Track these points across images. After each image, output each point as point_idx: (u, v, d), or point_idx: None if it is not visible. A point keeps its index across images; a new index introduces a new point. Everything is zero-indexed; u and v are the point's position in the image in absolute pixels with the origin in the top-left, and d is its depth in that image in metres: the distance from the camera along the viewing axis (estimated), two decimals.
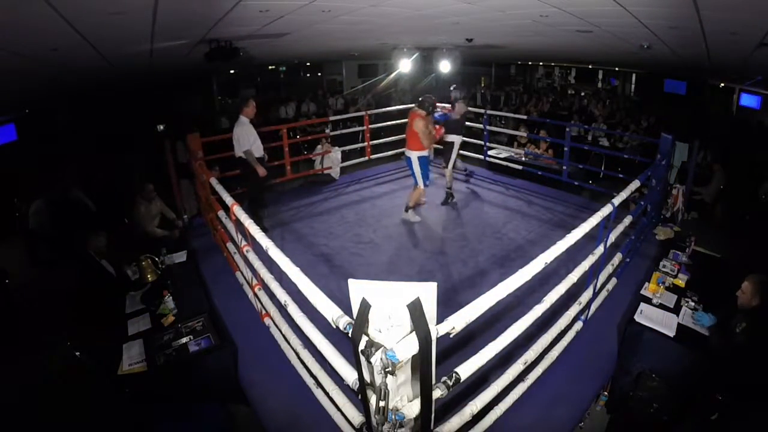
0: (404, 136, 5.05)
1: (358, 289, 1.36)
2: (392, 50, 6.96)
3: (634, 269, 3.55)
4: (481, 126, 6.39)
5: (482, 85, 13.68)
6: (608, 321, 3.02)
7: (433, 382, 1.51)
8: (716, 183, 5.65)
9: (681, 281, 3.25)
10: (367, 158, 6.39)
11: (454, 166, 5.27)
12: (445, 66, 6.49)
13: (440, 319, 1.50)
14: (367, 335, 1.37)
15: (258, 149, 4.25)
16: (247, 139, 4.13)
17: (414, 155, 4.50)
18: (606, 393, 2.91)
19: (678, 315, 2.85)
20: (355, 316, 1.39)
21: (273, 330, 2.85)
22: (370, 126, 6.33)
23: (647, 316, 2.85)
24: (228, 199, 2.87)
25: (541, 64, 13.68)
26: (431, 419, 1.58)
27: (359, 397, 1.57)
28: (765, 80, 6.61)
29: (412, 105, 6.50)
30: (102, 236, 3.55)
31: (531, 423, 2.30)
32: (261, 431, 2.37)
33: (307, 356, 2.29)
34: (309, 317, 2.01)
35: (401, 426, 1.52)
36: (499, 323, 2.73)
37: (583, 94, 11.97)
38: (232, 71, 10.89)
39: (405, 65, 6.83)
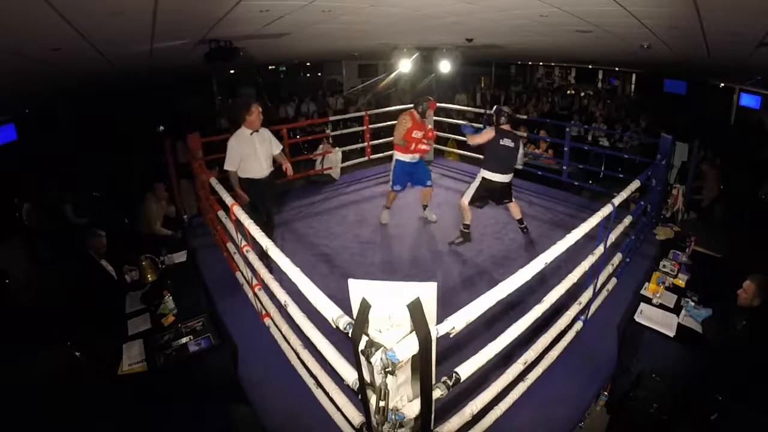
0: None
1: (358, 289, 1.36)
2: (392, 50, 6.95)
3: (634, 269, 3.55)
4: (481, 126, 6.39)
5: (482, 85, 13.69)
6: (608, 321, 3.02)
7: (433, 382, 1.51)
8: (710, 183, 5.64)
9: (681, 281, 3.26)
10: (367, 158, 6.38)
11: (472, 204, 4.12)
12: (445, 66, 6.49)
13: (440, 319, 1.50)
14: (367, 335, 1.37)
15: (250, 170, 3.54)
16: (231, 157, 3.45)
17: (394, 155, 4.40)
18: (606, 393, 2.91)
19: (678, 315, 2.85)
20: (355, 316, 1.38)
21: (273, 330, 2.85)
22: (370, 126, 6.33)
23: (647, 316, 2.85)
24: (228, 199, 2.87)
25: (541, 64, 13.68)
26: (431, 419, 1.58)
27: (359, 397, 1.57)
28: (765, 80, 6.61)
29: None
30: (102, 236, 3.55)
31: (531, 423, 2.30)
32: (261, 431, 2.37)
33: (307, 356, 2.29)
34: (309, 317, 2.01)
35: (401, 426, 1.52)
36: (499, 323, 2.73)
37: (583, 94, 11.97)
38: (232, 71, 10.89)
39: (405, 65, 6.83)
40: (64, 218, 5.29)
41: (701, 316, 2.70)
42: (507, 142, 3.89)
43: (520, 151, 3.98)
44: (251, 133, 3.51)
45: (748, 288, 2.53)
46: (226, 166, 3.51)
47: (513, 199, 4.19)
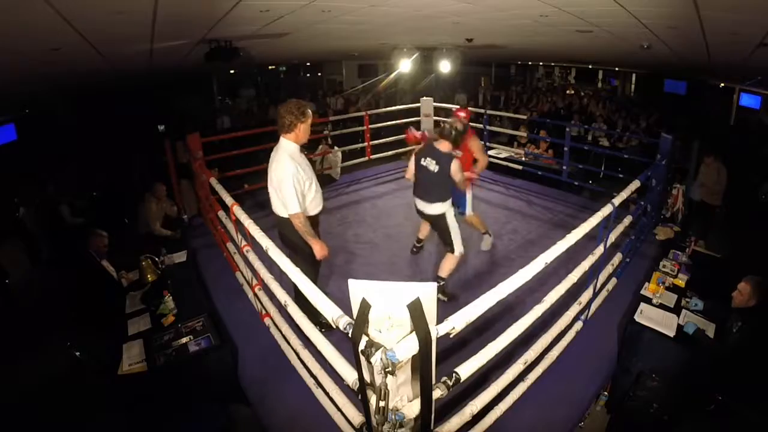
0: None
1: (358, 289, 1.36)
2: (392, 50, 6.95)
3: (634, 269, 3.55)
4: (481, 126, 6.39)
5: (482, 85, 13.68)
6: (608, 321, 3.02)
7: (433, 382, 1.51)
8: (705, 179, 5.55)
9: (681, 281, 3.25)
10: (367, 158, 6.38)
11: None
12: (445, 66, 6.48)
13: (440, 319, 1.51)
14: (367, 335, 1.37)
15: (313, 205, 2.59)
16: (295, 191, 2.38)
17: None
18: (606, 393, 2.90)
19: (678, 315, 2.85)
20: (355, 316, 1.38)
21: (273, 330, 2.85)
22: (370, 126, 6.32)
23: (647, 316, 2.85)
24: (228, 199, 2.87)
25: (541, 64, 13.69)
26: (431, 419, 1.58)
27: (359, 397, 1.57)
28: (765, 80, 6.61)
29: (415, 105, 6.54)
30: (103, 236, 3.55)
31: (531, 423, 2.30)
32: (261, 431, 2.37)
33: (307, 356, 2.29)
34: (309, 317, 2.01)
35: (401, 426, 1.52)
36: (499, 323, 2.74)
37: (583, 94, 11.98)
38: (232, 71, 10.91)
39: (405, 65, 6.82)
40: (60, 219, 5.29)
41: (691, 328, 2.65)
42: (427, 162, 3.02)
43: (454, 175, 2.95)
44: (300, 150, 2.54)
45: (743, 289, 2.53)
46: (294, 209, 2.41)
47: (455, 250, 3.18)
